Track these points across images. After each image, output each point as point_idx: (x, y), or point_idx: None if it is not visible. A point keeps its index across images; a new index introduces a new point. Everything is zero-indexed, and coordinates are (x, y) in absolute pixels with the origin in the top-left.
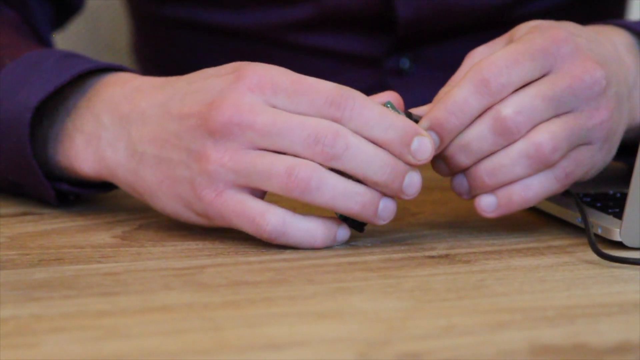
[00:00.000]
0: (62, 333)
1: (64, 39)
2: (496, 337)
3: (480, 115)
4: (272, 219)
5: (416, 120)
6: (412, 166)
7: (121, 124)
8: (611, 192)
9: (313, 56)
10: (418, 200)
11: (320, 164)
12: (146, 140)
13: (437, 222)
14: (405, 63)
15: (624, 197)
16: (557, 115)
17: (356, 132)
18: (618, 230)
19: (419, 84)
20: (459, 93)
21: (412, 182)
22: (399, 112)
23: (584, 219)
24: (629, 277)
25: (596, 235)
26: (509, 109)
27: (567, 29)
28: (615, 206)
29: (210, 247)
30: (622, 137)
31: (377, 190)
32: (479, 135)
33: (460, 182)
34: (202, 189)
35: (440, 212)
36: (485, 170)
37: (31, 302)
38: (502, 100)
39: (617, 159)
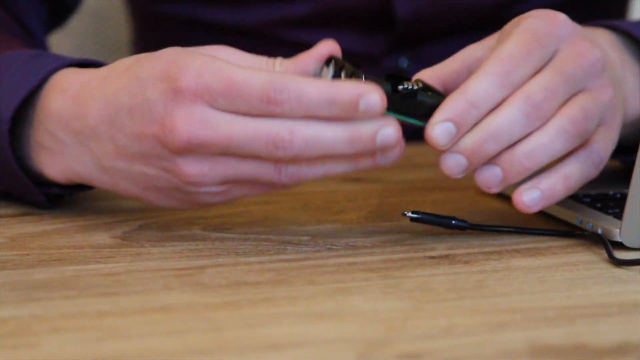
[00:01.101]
0: (62, 333)
1: (70, 39)
2: (496, 337)
3: (503, 102)
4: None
5: (438, 100)
6: (382, 124)
7: (78, 139)
8: (611, 192)
9: None
10: (418, 200)
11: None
12: (110, 156)
13: None
14: (403, 62)
15: (624, 197)
16: (575, 94)
17: (304, 118)
18: (618, 230)
19: None
20: (480, 85)
21: (385, 139)
22: (425, 89)
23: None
24: (629, 277)
25: (595, 234)
26: (537, 89)
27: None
28: (615, 206)
29: (210, 247)
30: (624, 130)
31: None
32: (510, 120)
33: (492, 172)
34: (196, 194)
35: (440, 212)
36: (523, 154)
37: (31, 302)
38: (524, 84)
39: (615, 157)
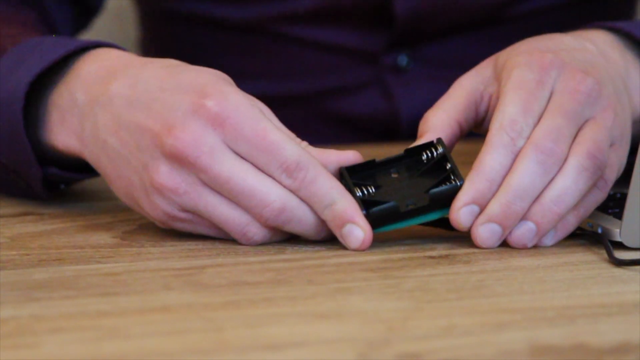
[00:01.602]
0: (62, 333)
1: (94, 37)
2: (496, 337)
3: (516, 160)
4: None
5: (456, 185)
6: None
7: (90, 105)
8: (611, 192)
9: (311, 50)
10: None
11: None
12: (110, 130)
13: None
14: (403, 60)
15: (624, 197)
16: (581, 128)
17: (302, 201)
18: (618, 230)
19: (416, 81)
20: (494, 159)
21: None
22: (446, 152)
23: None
24: (629, 277)
25: (595, 234)
26: (544, 136)
27: (547, 47)
28: (615, 206)
29: (210, 247)
30: (632, 129)
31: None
32: (529, 173)
33: (525, 229)
34: (158, 207)
35: None
36: (551, 201)
37: (31, 302)
38: (530, 136)
39: None
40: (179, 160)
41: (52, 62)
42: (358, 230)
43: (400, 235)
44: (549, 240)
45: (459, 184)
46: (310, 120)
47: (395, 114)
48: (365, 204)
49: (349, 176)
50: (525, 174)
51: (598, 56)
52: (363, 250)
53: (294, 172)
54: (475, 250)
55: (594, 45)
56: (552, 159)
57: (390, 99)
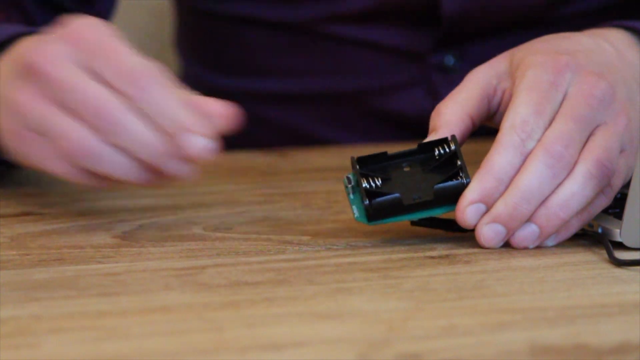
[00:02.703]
0: (62, 333)
1: (129, 35)
2: (496, 337)
3: (525, 162)
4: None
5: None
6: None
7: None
8: None
9: (357, 49)
10: None
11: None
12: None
13: None
14: (449, 60)
15: (624, 197)
16: (592, 133)
17: (144, 112)
18: (618, 230)
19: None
20: (503, 159)
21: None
22: (457, 149)
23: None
24: (629, 277)
25: (595, 234)
26: (555, 140)
27: (564, 47)
28: (615, 206)
29: (210, 247)
30: None
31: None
32: (537, 177)
33: (528, 231)
34: (6, 123)
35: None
36: (557, 206)
37: (31, 302)
38: (541, 139)
39: None
40: (28, 70)
41: None
42: (197, 138)
43: (400, 235)
44: (550, 242)
45: (465, 181)
46: (355, 118)
47: None
48: (370, 194)
49: (358, 167)
50: (534, 177)
51: (614, 57)
52: (204, 157)
53: (140, 81)
54: (476, 250)
55: (611, 45)
56: (562, 163)
57: (436, 98)
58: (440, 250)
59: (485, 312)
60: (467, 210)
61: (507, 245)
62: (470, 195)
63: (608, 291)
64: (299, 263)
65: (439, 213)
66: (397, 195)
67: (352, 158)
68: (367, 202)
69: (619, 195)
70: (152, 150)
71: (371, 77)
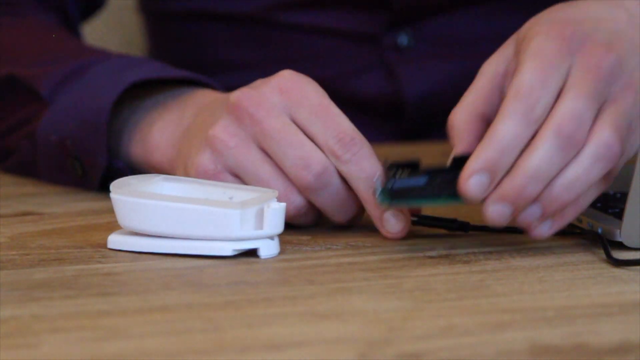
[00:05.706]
0: (62, 333)
1: (119, 34)
2: (496, 337)
3: (534, 137)
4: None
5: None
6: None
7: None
8: (611, 192)
9: (311, 35)
10: None
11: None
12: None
13: None
14: (403, 39)
15: (624, 197)
16: (600, 109)
17: (346, 177)
18: (618, 230)
19: (419, 60)
20: (507, 128)
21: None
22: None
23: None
24: (629, 277)
25: (595, 234)
26: (566, 119)
27: (572, 16)
28: (615, 206)
29: None
30: None
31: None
32: (547, 157)
33: (531, 210)
34: (201, 163)
35: (441, 212)
36: (562, 187)
37: (31, 302)
38: (550, 116)
39: None
40: (238, 112)
41: (164, 76)
42: (399, 216)
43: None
44: (545, 230)
45: None
46: None
47: (400, 94)
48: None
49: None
50: (544, 158)
51: (626, 25)
52: (397, 238)
53: (348, 144)
54: (475, 250)
55: (627, 13)
56: (572, 144)
57: (394, 79)
58: (440, 250)
59: (484, 312)
60: (469, 180)
61: (506, 245)
62: (472, 164)
63: (608, 291)
64: (299, 263)
65: (456, 201)
66: (421, 178)
67: (385, 160)
68: (392, 181)
69: (619, 195)
70: (346, 213)
71: (329, 63)
